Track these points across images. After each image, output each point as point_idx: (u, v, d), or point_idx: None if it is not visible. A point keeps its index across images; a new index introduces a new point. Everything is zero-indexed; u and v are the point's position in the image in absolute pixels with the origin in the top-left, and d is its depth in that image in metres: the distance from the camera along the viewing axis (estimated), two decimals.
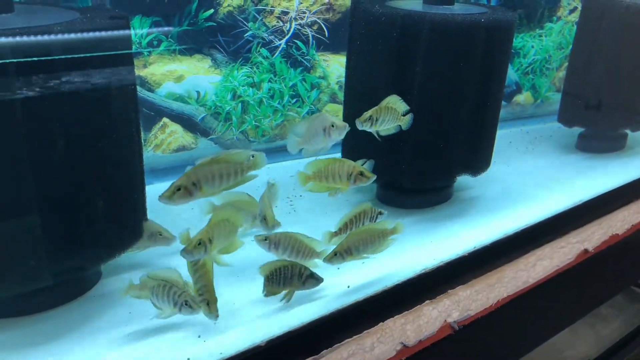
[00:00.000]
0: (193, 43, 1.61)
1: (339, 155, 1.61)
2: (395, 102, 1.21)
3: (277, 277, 1.06)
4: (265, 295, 1.07)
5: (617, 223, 1.69)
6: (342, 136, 1.10)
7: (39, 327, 1.02)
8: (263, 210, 1.07)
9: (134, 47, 1.52)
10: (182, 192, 0.90)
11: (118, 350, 0.97)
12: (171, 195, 0.90)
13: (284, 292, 1.08)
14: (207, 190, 0.94)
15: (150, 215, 1.18)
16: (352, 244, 1.08)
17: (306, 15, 1.75)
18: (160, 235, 1.17)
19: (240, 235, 1.13)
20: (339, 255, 1.07)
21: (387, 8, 1.37)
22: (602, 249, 1.62)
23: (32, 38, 0.89)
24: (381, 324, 1.10)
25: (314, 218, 1.47)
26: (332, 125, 1.07)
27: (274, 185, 1.12)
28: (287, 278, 1.06)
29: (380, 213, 1.16)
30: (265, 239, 1.08)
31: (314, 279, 1.09)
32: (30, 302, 1.05)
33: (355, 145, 1.51)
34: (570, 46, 2.07)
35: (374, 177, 1.11)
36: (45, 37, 0.90)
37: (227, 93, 1.69)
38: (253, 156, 1.02)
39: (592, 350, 2.04)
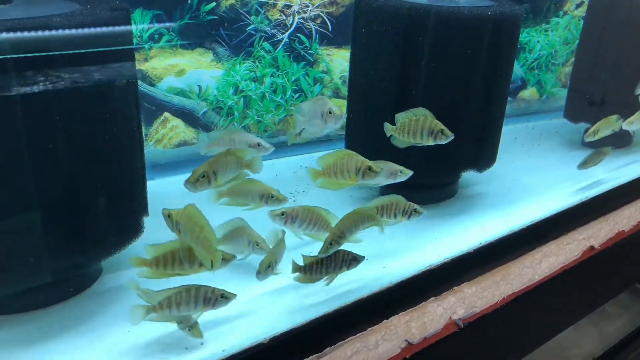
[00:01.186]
0: (195, 37, 1.59)
1: None
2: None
3: (318, 268, 1.05)
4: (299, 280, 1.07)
5: (623, 220, 1.67)
6: (339, 124, 1.09)
7: (39, 324, 1.00)
8: (271, 258, 1.06)
9: (135, 40, 1.50)
10: (205, 179, 0.95)
11: (118, 347, 0.96)
12: (195, 182, 0.95)
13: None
14: (220, 180, 0.99)
15: (151, 211, 1.16)
16: (346, 228, 1.06)
17: (309, 8, 1.73)
18: (257, 245, 1.13)
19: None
20: (334, 243, 1.04)
21: (391, 1, 1.35)
22: (608, 245, 1.61)
23: (30, 29, 0.87)
24: (385, 321, 1.09)
25: None
26: (330, 112, 1.06)
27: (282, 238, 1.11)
28: (329, 266, 1.06)
29: (415, 211, 1.16)
30: (282, 214, 1.06)
31: (357, 262, 1.09)
32: (31, 299, 1.04)
33: (359, 140, 1.50)
34: (577, 41, 2.05)
35: (382, 171, 1.09)
36: (44, 29, 0.89)
37: (229, 87, 1.68)
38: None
39: (596, 348, 2.03)
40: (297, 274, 1.06)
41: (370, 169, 1.07)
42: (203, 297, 0.93)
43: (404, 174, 1.20)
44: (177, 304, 0.92)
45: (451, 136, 1.18)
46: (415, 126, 1.16)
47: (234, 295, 0.96)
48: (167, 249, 0.95)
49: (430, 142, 1.19)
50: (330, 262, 1.06)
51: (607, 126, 1.67)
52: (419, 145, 1.20)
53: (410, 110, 1.17)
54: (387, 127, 1.19)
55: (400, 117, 1.17)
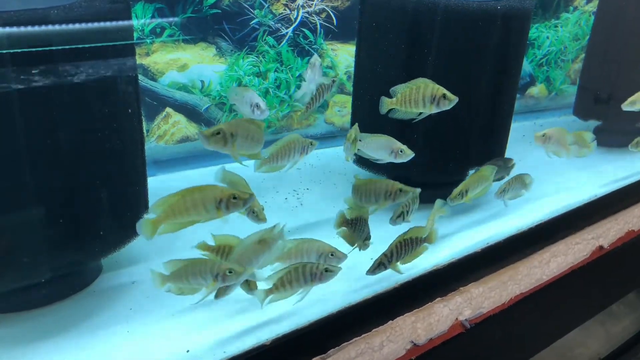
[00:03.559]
0: (197, 31, 1.57)
1: None
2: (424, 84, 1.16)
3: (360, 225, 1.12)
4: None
5: (634, 219, 1.65)
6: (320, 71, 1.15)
7: (38, 322, 0.99)
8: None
9: (136, 34, 1.48)
10: (220, 136, 0.91)
11: (118, 347, 0.94)
12: (210, 136, 0.90)
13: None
14: (241, 148, 0.96)
15: None
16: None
17: (314, 2, 1.71)
18: (332, 255, 1.07)
19: None
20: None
21: None
22: (618, 245, 1.58)
23: (28, 22, 0.85)
24: (391, 322, 1.07)
25: (320, 211, 1.44)
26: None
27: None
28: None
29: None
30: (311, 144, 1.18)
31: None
32: (30, 297, 1.02)
33: None
34: (587, 37, 2.02)
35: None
36: (42, 22, 0.86)
37: (232, 83, 1.66)
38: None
39: (602, 348, 2.01)
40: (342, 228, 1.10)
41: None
42: (309, 273, 0.96)
43: (405, 154, 1.18)
44: (290, 282, 0.95)
45: (455, 100, 1.13)
46: (416, 94, 1.12)
47: (339, 268, 0.98)
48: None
49: (434, 110, 1.14)
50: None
51: None
52: (421, 116, 1.16)
53: (409, 82, 1.13)
54: (385, 101, 1.15)
55: (399, 88, 1.14)
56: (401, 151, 1.17)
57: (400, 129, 1.36)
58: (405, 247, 1.09)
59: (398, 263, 1.10)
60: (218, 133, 0.89)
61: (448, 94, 1.12)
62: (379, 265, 1.07)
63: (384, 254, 1.07)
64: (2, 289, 0.98)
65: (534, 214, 1.43)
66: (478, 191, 1.34)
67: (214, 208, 0.89)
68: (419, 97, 1.13)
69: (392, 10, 1.31)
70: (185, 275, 0.89)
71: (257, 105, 1.15)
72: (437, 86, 1.13)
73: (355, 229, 1.13)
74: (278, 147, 1.13)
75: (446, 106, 1.13)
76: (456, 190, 1.30)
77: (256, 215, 1.09)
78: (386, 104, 1.15)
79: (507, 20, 1.31)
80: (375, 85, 1.41)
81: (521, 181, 1.39)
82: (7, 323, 0.98)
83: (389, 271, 1.17)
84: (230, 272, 0.88)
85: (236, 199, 0.89)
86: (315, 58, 1.16)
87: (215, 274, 0.88)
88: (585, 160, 1.84)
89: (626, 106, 1.57)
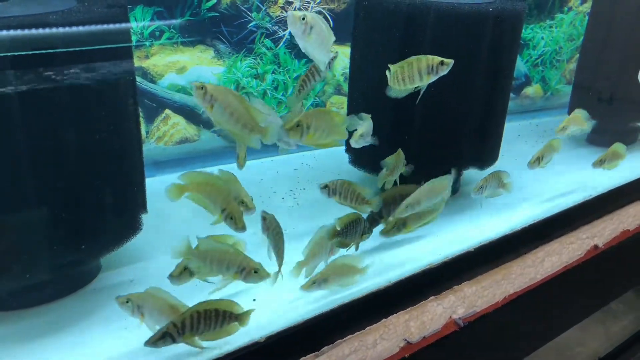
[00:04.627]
0: (196, 34, 1.59)
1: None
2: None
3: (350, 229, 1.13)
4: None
5: (629, 218, 1.65)
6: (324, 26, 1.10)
7: (37, 320, 1.00)
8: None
9: (135, 37, 1.50)
10: (202, 92, 0.91)
11: (117, 346, 0.96)
12: (196, 88, 0.91)
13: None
14: (215, 115, 0.94)
15: (150, 208, 1.16)
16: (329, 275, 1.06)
17: (311, 5, 1.72)
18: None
19: None
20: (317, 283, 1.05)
21: None
22: (613, 244, 1.59)
23: (27, 26, 0.87)
24: (384, 320, 1.08)
25: (317, 211, 1.45)
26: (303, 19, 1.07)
27: None
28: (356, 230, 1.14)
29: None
30: (325, 187, 1.16)
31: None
32: (29, 296, 1.04)
33: None
34: (582, 37, 2.03)
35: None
36: (40, 26, 0.88)
37: (230, 84, 1.67)
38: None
39: (601, 347, 2.01)
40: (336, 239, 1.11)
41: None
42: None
43: (362, 138, 1.20)
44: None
45: (451, 62, 1.10)
46: (410, 70, 1.10)
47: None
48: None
49: (432, 78, 1.11)
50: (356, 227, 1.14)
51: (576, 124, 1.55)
52: (417, 89, 1.13)
53: (402, 61, 1.12)
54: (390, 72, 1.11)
55: (393, 67, 1.11)
56: (361, 135, 1.19)
57: (395, 130, 1.38)
58: (207, 319, 0.86)
59: (196, 338, 0.87)
60: (202, 88, 0.90)
61: (445, 59, 1.10)
62: (164, 336, 0.83)
63: (173, 323, 0.84)
64: (2, 288, 1.00)
65: (527, 213, 1.44)
66: (423, 221, 1.29)
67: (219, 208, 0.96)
68: (414, 72, 1.11)
69: (386, 12, 1.33)
70: (211, 258, 0.91)
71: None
72: (432, 56, 1.10)
73: (347, 235, 1.13)
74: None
75: (444, 71, 1.10)
76: (391, 221, 1.24)
77: (234, 221, 1.01)
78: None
79: (499, 22, 1.33)
80: (370, 86, 1.42)
81: (498, 178, 1.35)
82: (7, 321, 1.00)
83: (385, 265, 1.19)
84: (255, 271, 0.93)
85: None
86: (291, 12, 1.01)
87: (241, 268, 0.91)
88: (580, 159, 1.85)
89: (559, 132, 1.52)
